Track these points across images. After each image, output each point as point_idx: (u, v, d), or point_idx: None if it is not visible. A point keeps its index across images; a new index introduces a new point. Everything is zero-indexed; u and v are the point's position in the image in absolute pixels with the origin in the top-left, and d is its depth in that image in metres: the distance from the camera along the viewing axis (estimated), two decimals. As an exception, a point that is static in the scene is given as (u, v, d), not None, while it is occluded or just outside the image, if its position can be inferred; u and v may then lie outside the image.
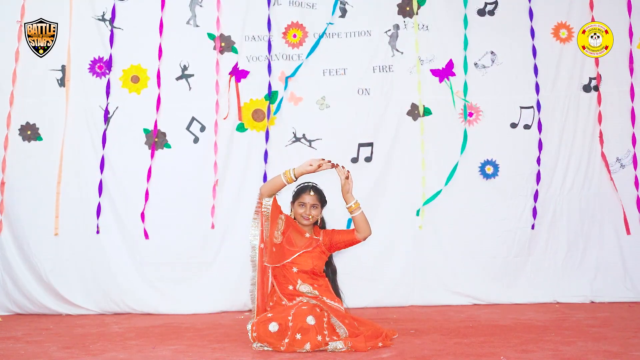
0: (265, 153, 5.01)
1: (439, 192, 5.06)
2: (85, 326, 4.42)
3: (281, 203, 3.88)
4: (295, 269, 3.82)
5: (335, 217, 4.32)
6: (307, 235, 3.89)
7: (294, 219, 3.97)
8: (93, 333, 4.16)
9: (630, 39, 5.12)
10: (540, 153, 5.11)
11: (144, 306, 4.88)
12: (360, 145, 5.07)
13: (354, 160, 5.06)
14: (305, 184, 3.95)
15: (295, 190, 3.96)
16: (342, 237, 3.90)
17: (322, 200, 3.95)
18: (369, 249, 4.97)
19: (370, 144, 5.08)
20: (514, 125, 5.13)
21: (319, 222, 4.02)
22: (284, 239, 3.85)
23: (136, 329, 4.30)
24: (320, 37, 5.05)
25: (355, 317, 3.79)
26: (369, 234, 3.88)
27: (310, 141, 5.06)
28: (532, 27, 5.13)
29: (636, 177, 5.10)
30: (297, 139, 5.06)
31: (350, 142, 5.07)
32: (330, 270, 4.00)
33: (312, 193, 3.90)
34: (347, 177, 3.79)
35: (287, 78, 5.03)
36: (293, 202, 3.96)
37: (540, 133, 5.11)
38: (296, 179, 3.75)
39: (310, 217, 3.89)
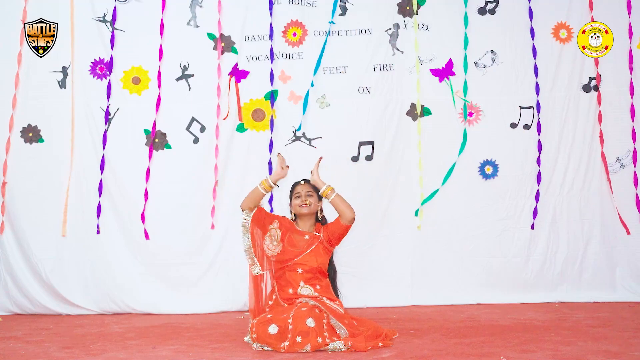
0: (270, 147, 5.01)
1: (435, 192, 5.05)
2: (85, 326, 4.42)
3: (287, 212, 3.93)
4: (300, 270, 3.83)
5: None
6: (307, 237, 3.90)
7: (295, 219, 3.99)
8: (93, 333, 4.17)
9: (630, 39, 5.12)
10: (540, 153, 5.10)
11: (144, 306, 4.89)
12: (361, 143, 5.07)
13: (355, 158, 5.06)
14: (297, 180, 4.04)
15: (290, 190, 4.05)
16: (333, 227, 3.91)
17: (316, 191, 3.98)
18: (369, 248, 4.98)
19: (371, 143, 5.07)
20: (513, 125, 5.12)
21: (319, 217, 4.03)
22: (285, 243, 3.87)
23: (136, 329, 4.30)
24: (325, 42, 5.04)
25: (355, 317, 3.80)
26: (352, 216, 3.85)
27: (310, 140, 5.05)
28: (532, 26, 5.12)
29: (635, 175, 5.10)
30: (297, 138, 5.06)
31: (351, 141, 5.06)
32: (331, 270, 4.02)
33: (303, 183, 3.99)
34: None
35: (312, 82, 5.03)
36: (290, 200, 4.02)
37: (539, 133, 5.11)
38: (274, 185, 3.92)
39: (308, 203, 3.92)
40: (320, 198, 4.00)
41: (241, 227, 3.94)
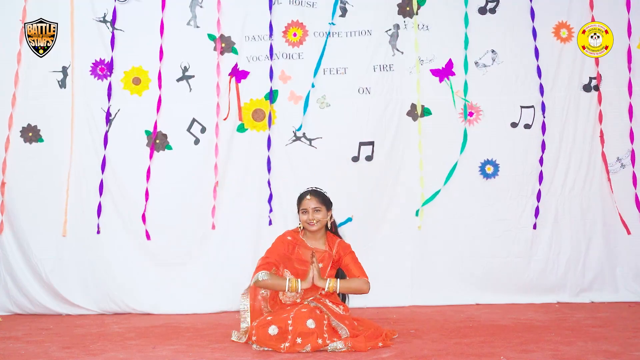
0: (268, 147, 5.01)
1: (437, 192, 5.05)
2: (85, 326, 4.42)
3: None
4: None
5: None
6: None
7: (302, 228, 3.92)
8: (93, 333, 4.17)
9: (629, 38, 5.12)
10: (543, 153, 5.08)
11: (144, 306, 4.89)
12: (361, 144, 5.06)
13: (355, 159, 5.06)
14: (305, 190, 3.93)
15: (297, 199, 3.95)
16: (346, 264, 3.84)
17: (325, 202, 3.88)
18: (370, 249, 4.97)
19: (372, 143, 5.07)
20: (514, 125, 5.12)
21: (329, 226, 3.97)
22: (294, 259, 3.82)
23: (136, 329, 4.30)
24: (325, 43, 5.04)
25: (356, 317, 3.80)
26: (366, 293, 3.79)
27: (310, 140, 5.05)
28: (533, 26, 5.12)
29: (634, 175, 5.10)
30: (297, 138, 5.06)
31: (351, 141, 5.06)
32: (340, 276, 3.94)
33: (309, 197, 3.85)
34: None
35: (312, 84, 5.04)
36: (298, 211, 3.93)
37: (543, 133, 5.09)
38: (301, 291, 3.72)
39: (315, 221, 3.82)
40: (329, 208, 3.92)
41: (241, 311, 3.81)
